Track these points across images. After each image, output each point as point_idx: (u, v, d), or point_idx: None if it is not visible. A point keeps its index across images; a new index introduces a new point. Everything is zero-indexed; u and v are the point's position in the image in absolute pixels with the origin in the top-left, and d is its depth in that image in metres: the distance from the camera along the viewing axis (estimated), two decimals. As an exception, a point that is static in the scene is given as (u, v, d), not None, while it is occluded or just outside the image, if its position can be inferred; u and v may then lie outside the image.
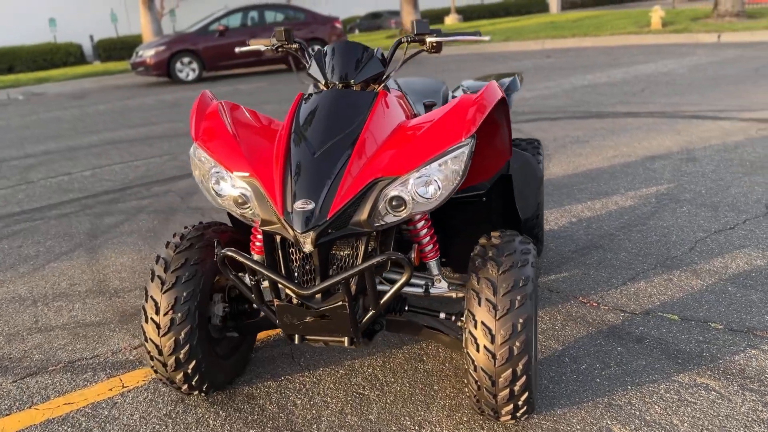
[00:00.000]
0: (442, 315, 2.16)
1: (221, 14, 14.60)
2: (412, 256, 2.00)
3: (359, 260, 1.90)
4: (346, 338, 1.97)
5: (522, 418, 2.03)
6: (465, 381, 2.26)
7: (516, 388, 1.86)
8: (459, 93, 3.18)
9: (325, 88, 2.19)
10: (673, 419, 2.04)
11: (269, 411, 2.22)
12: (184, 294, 2.08)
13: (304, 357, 2.54)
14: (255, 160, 1.93)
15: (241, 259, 1.87)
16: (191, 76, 14.08)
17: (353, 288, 1.88)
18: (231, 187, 1.93)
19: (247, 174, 1.89)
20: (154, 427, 2.17)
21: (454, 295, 2.12)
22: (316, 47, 2.39)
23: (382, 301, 1.89)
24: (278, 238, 1.94)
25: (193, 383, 2.17)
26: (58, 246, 4.03)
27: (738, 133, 5.62)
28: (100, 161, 6.53)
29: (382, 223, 1.84)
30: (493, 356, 1.83)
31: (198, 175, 2.02)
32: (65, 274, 3.56)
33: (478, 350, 1.85)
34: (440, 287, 2.13)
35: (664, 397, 2.15)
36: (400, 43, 2.39)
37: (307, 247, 1.76)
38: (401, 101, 2.26)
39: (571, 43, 16.01)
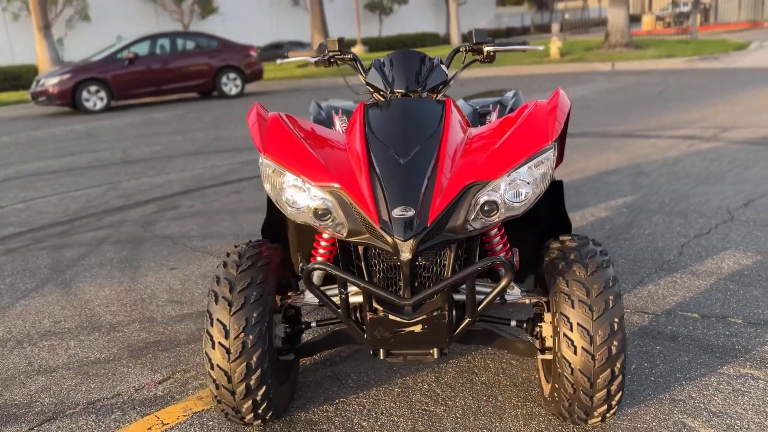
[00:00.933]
0: (513, 323, 2.16)
1: (130, 41, 14.05)
2: (515, 260, 1.99)
3: (448, 269, 1.86)
4: (435, 350, 1.92)
5: (607, 420, 2.04)
6: (543, 387, 2.25)
7: (613, 388, 1.87)
8: None
9: (383, 98, 2.15)
10: (736, 408, 2.13)
11: (337, 435, 2.11)
12: (254, 315, 1.94)
13: (351, 378, 2.45)
14: (336, 170, 1.85)
15: (334, 272, 1.78)
16: (99, 105, 13.39)
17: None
18: (309, 199, 1.84)
19: (332, 184, 1.81)
20: (216, 464, 2.00)
21: (527, 301, 2.12)
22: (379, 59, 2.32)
23: (480, 308, 1.85)
24: (361, 249, 1.87)
25: (260, 411, 2.02)
26: (22, 282, 3.66)
27: (672, 149, 6.05)
28: (28, 194, 6.04)
29: (474, 228, 1.82)
30: (593, 357, 1.84)
31: (271, 188, 1.92)
32: (43, 311, 3.23)
33: (575, 352, 1.85)
34: (514, 294, 2.12)
35: (719, 389, 2.24)
36: (457, 51, 2.39)
37: (406, 255, 1.71)
38: (460, 110, 2.27)
39: (481, 73, 16.68)
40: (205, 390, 2.42)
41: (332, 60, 2.40)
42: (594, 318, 1.85)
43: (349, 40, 32.28)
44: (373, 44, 33.95)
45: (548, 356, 2.07)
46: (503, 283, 1.80)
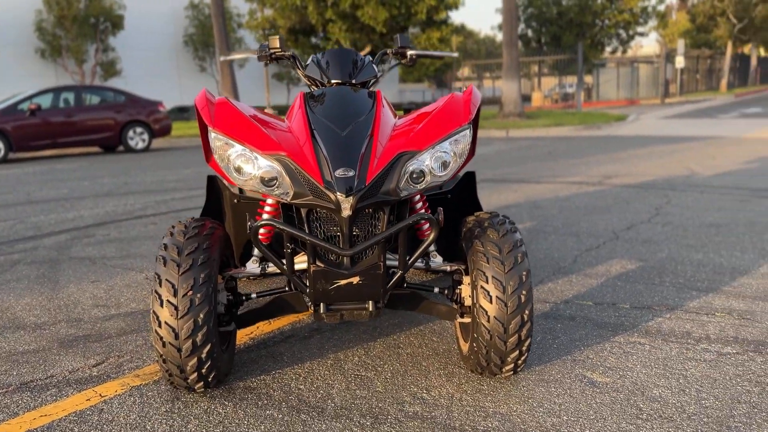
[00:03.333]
0: (436, 289, 2.41)
1: (32, 93, 13.69)
2: (440, 218, 2.25)
3: (383, 227, 2.10)
4: (371, 303, 2.14)
5: (518, 371, 2.31)
6: (461, 348, 2.48)
7: (523, 333, 2.15)
8: None
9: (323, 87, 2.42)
10: (627, 364, 2.46)
11: (276, 396, 2.25)
12: (202, 276, 2.09)
13: (285, 355, 2.59)
14: (281, 141, 2.09)
15: (282, 227, 1.98)
16: (-5, 156, 12.84)
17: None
18: (256, 168, 2.05)
19: (278, 153, 2.04)
20: (159, 423, 2.08)
21: (448, 268, 2.39)
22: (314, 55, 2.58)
23: (410, 261, 2.10)
24: (304, 212, 2.09)
25: (204, 371, 2.13)
26: (-68, 295, 3.54)
27: (563, 190, 6.67)
28: (-76, 228, 5.76)
29: (406, 193, 2.09)
30: (505, 304, 2.12)
31: (220, 160, 2.12)
32: (-41, 317, 3.16)
33: (491, 301, 2.13)
34: (437, 261, 2.39)
35: (612, 351, 2.58)
36: (384, 54, 2.71)
37: (346, 212, 1.95)
38: (388, 102, 2.57)
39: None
40: (143, 369, 2.48)
41: (273, 57, 2.65)
42: (506, 271, 2.14)
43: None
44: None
45: (466, 319, 2.33)
46: (431, 237, 2.06)
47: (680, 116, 20.11)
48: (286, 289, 2.36)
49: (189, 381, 2.16)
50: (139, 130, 14.53)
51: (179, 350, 2.07)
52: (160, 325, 2.06)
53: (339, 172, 1.96)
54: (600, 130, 16.54)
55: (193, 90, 38.43)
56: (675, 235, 4.51)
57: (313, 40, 26.44)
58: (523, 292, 2.14)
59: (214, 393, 2.28)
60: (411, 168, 2.08)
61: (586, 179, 7.45)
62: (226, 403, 2.21)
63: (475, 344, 2.22)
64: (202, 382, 2.18)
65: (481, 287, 2.16)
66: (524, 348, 2.19)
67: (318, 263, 2.05)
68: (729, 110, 21.73)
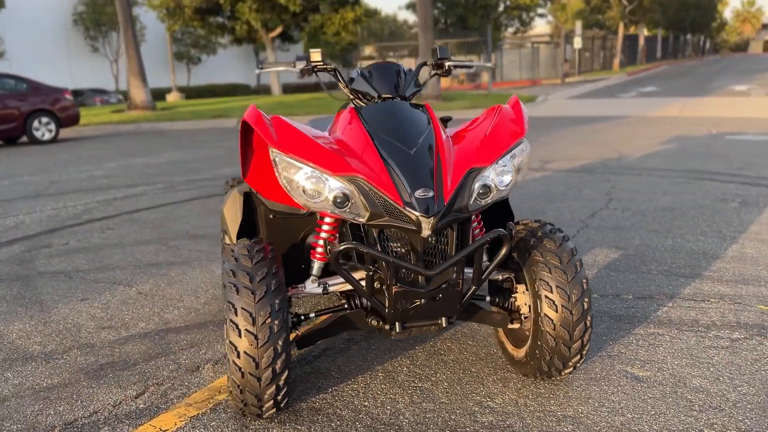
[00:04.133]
0: (488, 298, 2.47)
1: None
2: (513, 232, 2.30)
3: (451, 246, 2.13)
4: (444, 318, 2.17)
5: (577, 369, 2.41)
6: (512, 353, 2.56)
7: (585, 338, 2.26)
8: None
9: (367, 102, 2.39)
10: (657, 356, 2.63)
11: (346, 416, 2.24)
12: (277, 302, 2.05)
13: (332, 371, 2.58)
14: (351, 161, 2.06)
15: (366, 250, 1.96)
16: None
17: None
18: (328, 189, 2.02)
19: (352, 174, 2.01)
20: (239, 455, 2.03)
21: (500, 276, 2.45)
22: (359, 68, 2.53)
23: (483, 276, 2.15)
24: (376, 232, 2.08)
25: (280, 397, 2.10)
26: None
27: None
28: None
29: (474, 208, 2.12)
30: (570, 312, 2.21)
31: (285, 180, 2.07)
32: (-52, 350, 2.89)
33: (556, 310, 2.22)
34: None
35: (639, 344, 2.75)
36: (424, 65, 2.70)
37: (426, 231, 1.96)
38: None
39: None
40: (192, 396, 2.40)
41: (316, 70, 2.58)
42: (568, 280, 2.23)
43: (164, 88, 31.33)
44: (186, 92, 33.24)
45: (515, 325, 2.41)
46: (503, 251, 2.11)
47: (584, 96, 21.16)
48: (346, 307, 2.35)
49: (264, 408, 2.11)
50: (44, 119, 13.56)
51: (259, 379, 2.02)
52: (238, 356, 2.00)
53: (419, 193, 1.97)
54: (515, 111, 17.07)
55: (85, 73, 36.25)
56: (638, 221, 4.80)
57: (220, 20, 25.60)
58: (586, 300, 2.24)
59: (282, 417, 2.24)
60: (478, 184, 2.11)
61: (528, 165, 7.72)
62: (299, 427, 2.18)
63: (537, 351, 2.30)
64: (274, 409, 2.14)
65: (545, 296, 2.24)
66: (585, 351, 2.30)
67: (398, 284, 2.05)
68: (626, 89, 23.06)
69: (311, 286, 2.32)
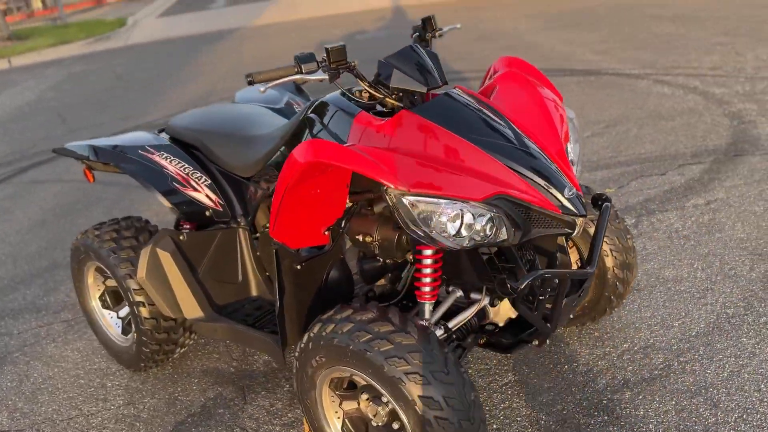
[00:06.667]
0: None
1: None
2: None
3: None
4: None
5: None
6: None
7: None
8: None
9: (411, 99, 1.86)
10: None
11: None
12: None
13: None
14: (477, 177, 1.65)
15: (554, 272, 1.82)
16: None
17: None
18: (478, 220, 1.61)
19: (493, 194, 1.62)
20: None
21: None
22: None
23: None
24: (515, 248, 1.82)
25: None
26: None
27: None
28: None
29: None
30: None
31: (421, 223, 1.61)
32: None
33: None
34: None
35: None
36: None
37: (578, 229, 1.72)
38: None
39: None
40: None
41: (340, 72, 1.86)
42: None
43: None
44: None
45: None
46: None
47: (176, 13, 19.98)
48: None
49: None
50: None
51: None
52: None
53: (567, 193, 1.68)
54: (114, 41, 15.29)
55: None
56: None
57: None
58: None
59: None
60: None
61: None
62: None
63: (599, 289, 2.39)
64: None
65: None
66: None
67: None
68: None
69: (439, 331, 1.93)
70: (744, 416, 2.03)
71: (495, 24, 10.19)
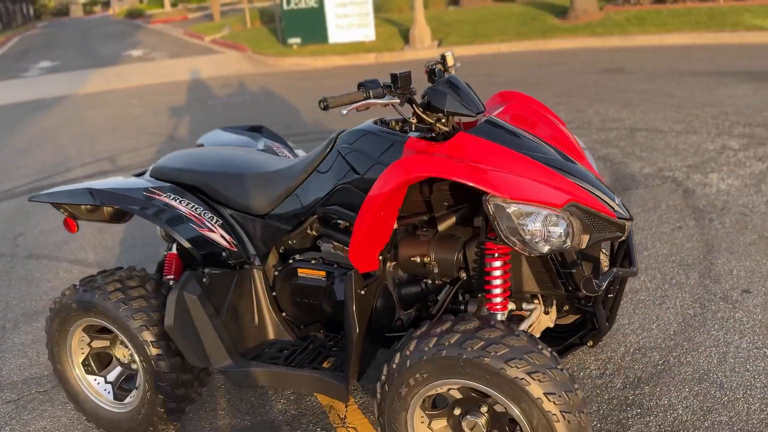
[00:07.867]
0: None
1: None
2: None
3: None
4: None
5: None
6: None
7: None
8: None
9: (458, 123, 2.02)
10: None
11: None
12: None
13: None
14: (554, 187, 1.82)
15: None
16: None
17: None
18: (557, 225, 1.76)
19: (567, 202, 1.77)
20: None
21: None
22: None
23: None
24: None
25: None
26: None
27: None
28: None
29: None
30: None
31: (521, 230, 1.74)
32: None
33: None
34: None
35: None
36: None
37: (626, 233, 1.94)
38: None
39: None
40: None
41: (407, 96, 1.93)
42: None
43: None
44: None
45: None
46: None
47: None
48: None
49: None
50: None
51: None
52: None
53: (617, 200, 1.93)
54: None
55: None
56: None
57: None
58: None
59: None
60: None
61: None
62: None
63: None
64: None
65: None
66: None
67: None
68: (15, 68, 20.74)
69: None
70: (749, 392, 2.33)
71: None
